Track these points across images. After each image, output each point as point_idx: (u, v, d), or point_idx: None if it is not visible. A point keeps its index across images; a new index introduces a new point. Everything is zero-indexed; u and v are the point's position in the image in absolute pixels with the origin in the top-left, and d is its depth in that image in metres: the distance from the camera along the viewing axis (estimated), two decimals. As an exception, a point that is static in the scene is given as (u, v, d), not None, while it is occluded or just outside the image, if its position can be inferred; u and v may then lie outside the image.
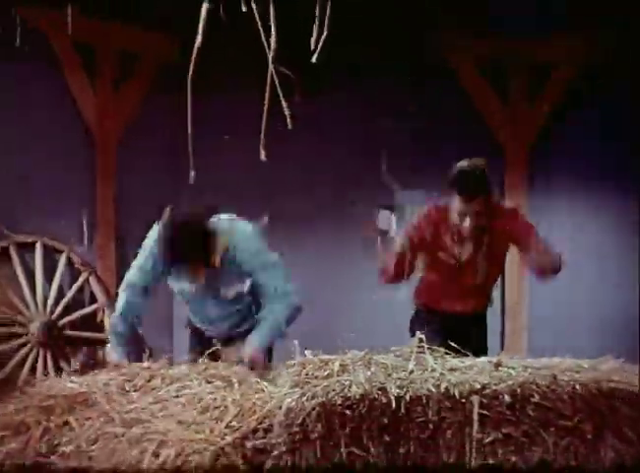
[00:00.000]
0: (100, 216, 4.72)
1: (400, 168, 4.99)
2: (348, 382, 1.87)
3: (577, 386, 1.85)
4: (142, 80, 4.85)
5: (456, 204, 3.01)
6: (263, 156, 1.73)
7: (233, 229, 2.97)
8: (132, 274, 3.00)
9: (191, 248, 2.66)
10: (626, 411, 1.86)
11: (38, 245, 4.43)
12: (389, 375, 1.93)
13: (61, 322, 4.46)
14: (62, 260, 4.52)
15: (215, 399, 2.11)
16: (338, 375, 1.93)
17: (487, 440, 1.85)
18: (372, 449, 1.82)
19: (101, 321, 4.60)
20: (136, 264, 2.99)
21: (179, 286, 2.98)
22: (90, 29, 4.55)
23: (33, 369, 4.28)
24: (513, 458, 1.84)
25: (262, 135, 1.75)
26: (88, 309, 4.57)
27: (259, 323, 2.87)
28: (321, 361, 2.03)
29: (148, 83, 4.84)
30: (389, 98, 4.95)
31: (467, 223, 3.00)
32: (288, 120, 1.70)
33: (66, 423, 2.13)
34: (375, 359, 2.07)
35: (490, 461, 1.83)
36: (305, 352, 2.11)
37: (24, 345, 4.37)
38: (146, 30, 4.83)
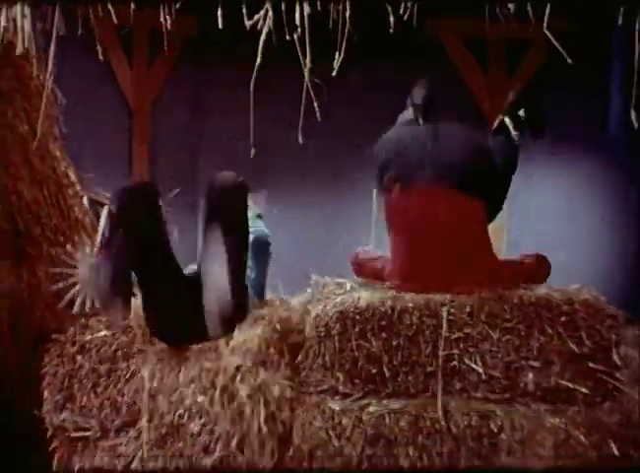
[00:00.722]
0: (136, 173, 5.56)
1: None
2: (357, 296, 2.70)
3: (515, 299, 2.69)
4: (170, 54, 5.61)
5: None
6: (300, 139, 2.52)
7: None
8: None
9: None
10: (551, 316, 2.69)
11: (85, 199, 5.23)
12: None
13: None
14: (104, 212, 5.32)
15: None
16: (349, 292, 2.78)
17: (453, 337, 2.68)
18: (374, 342, 2.65)
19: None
20: None
21: None
22: (126, 13, 5.29)
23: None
24: (470, 349, 2.67)
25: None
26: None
27: None
28: (336, 283, 2.87)
29: (174, 56, 5.61)
30: (383, 72, 5.72)
31: None
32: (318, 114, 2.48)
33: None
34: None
35: (454, 351, 2.67)
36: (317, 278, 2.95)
37: (73, 285, 5.17)
38: (171, 11, 5.60)
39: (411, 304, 2.70)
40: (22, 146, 2.96)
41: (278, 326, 2.82)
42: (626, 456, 2.52)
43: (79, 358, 2.95)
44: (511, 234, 5.46)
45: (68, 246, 3.44)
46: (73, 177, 3.40)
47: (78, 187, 3.46)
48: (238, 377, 2.73)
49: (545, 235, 5.52)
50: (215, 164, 5.85)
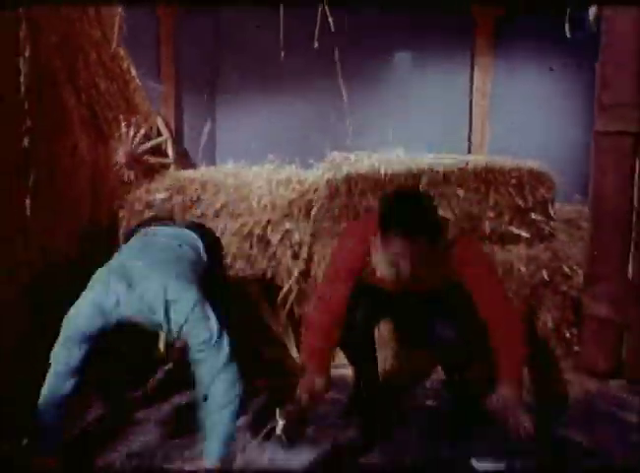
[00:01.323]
0: (165, 74, 6.38)
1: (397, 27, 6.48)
2: (359, 166, 3.61)
3: (479, 168, 3.58)
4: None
5: (388, 244, 2.40)
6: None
7: None
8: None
9: None
10: (504, 179, 3.58)
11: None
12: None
13: (139, 150, 6.11)
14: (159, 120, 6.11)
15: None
16: (353, 163, 3.67)
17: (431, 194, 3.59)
18: (371, 199, 3.56)
19: (165, 150, 6.21)
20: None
21: None
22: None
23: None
24: (443, 203, 3.57)
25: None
26: (157, 140, 6.19)
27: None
28: (344, 156, 3.77)
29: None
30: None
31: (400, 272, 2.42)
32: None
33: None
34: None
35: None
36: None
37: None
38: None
39: (398, 171, 3.60)
40: (97, 49, 3.77)
41: (298, 187, 3.73)
42: (552, 282, 3.46)
43: (145, 211, 3.88)
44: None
45: (129, 128, 4.31)
46: (133, 73, 4.21)
47: (137, 81, 4.28)
48: (269, 228, 3.67)
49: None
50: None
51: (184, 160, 6.07)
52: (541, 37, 6.13)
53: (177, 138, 6.38)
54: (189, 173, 4.15)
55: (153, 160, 4.77)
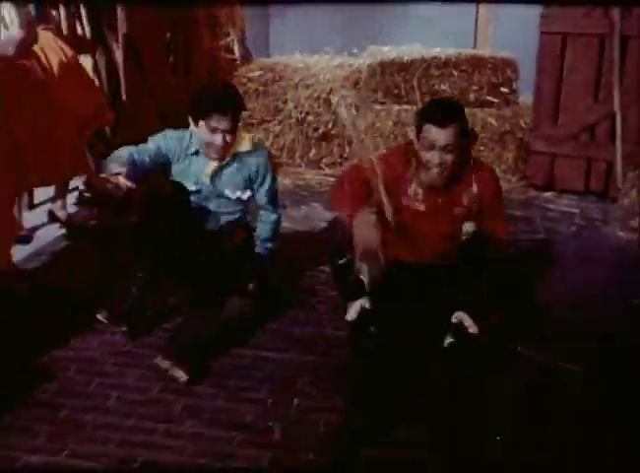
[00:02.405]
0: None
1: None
2: (391, 53, 5.49)
3: (468, 57, 5.44)
4: None
5: (425, 135, 2.75)
6: None
7: (258, 144, 3.76)
8: (130, 150, 3.06)
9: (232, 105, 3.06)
10: (485, 64, 5.47)
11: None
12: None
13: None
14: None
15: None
16: (387, 52, 5.56)
17: (435, 74, 5.46)
18: (397, 78, 5.46)
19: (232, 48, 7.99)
20: (139, 147, 3.11)
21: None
22: None
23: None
24: (442, 79, 5.47)
25: None
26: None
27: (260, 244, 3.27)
28: (380, 48, 5.66)
29: None
30: None
31: (434, 156, 2.76)
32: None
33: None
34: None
35: (434, 81, 5.47)
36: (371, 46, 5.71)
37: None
38: None
39: (415, 58, 5.47)
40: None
41: (348, 68, 5.64)
42: (512, 132, 5.37)
43: (247, 83, 5.78)
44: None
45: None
46: None
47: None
48: (331, 94, 5.59)
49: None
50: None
51: (247, 55, 7.87)
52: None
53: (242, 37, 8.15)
54: (273, 59, 6.05)
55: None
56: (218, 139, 3.05)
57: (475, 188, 2.90)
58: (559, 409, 2.56)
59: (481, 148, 5.37)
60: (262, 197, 3.30)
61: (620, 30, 4.75)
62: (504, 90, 5.49)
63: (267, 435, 2.39)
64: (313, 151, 5.67)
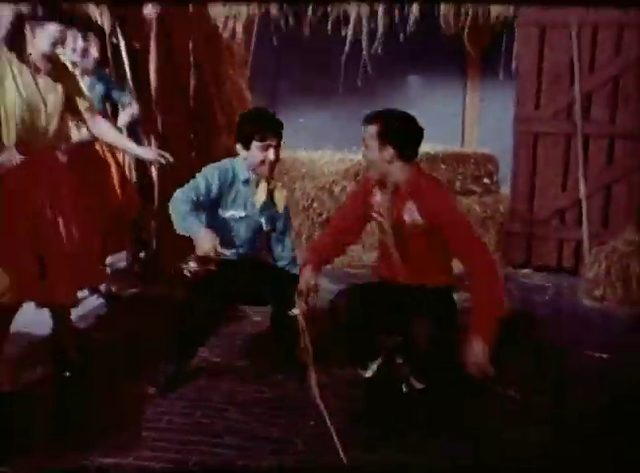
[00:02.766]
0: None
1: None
2: None
3: (449, 153, 6.24)
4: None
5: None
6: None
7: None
8: (182, 192, 3.40)
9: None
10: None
11: None
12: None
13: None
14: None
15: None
16: None
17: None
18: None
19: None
20: (190, 185, 3.43)
21: (230, 213, 3.53)
22: None
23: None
24: (434, 172, 6.25)
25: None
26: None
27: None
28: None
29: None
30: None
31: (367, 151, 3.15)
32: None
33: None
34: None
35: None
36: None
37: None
38: None
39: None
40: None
41: (349, 162, 6.42)
42: (493, 217, 6.12)
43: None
44: None
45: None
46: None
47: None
48: (333, 185, 6.33)
49: None
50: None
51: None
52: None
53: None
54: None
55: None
56: (271, 155, 3.46)
57: (413, 203, 3.13)
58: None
59: (467, 231, 6.10)
60: (279, 228, 3.75)
61: (582, 130, 5.56)
62: (486, 181, 6.27)
63: (290, 445, 3.01)
64: (317, 233, 6.39)
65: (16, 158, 3.15)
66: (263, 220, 3.61)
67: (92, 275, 3.69)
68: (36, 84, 3.23)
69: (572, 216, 5.71)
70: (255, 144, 3.46)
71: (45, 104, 3.24)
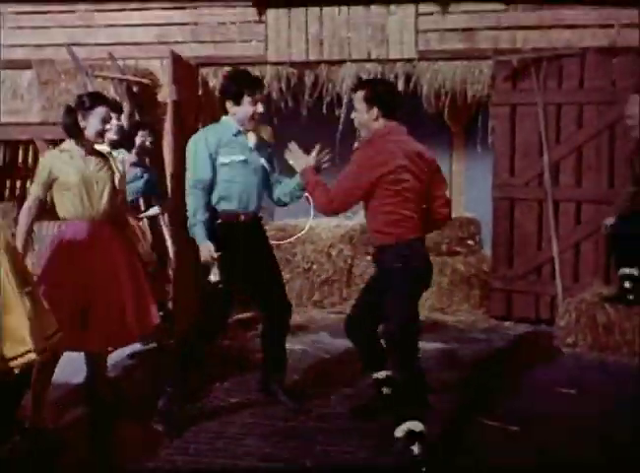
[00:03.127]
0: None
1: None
2: None
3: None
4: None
5: None
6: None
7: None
8: (196, 171, 3.95)
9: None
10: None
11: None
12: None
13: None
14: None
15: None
16: None
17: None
18: (383, 233, 6.89)
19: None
20: (195, 160, 3.97)
21: (231, 158, 3.94)
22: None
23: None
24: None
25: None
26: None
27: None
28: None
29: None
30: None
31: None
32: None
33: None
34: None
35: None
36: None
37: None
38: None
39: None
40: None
41: (345, 227, 7.07)
42: (477, 275, 6.73)
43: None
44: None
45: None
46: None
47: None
48: (331, 248, 6.98)
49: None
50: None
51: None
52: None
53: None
54: (284, 221, 7.49)
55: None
56: (260, 108, 3.98)
57: None
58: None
59: (453, 288, 6.72)
60: (275, 171, 4.21)
61: (552, 195, 6.24)
62: (470, 242, 6.92)
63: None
64: (317, 293, 6.99)
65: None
66: (263, 160, 4.08)
67: (125, 333, 4.11)
68: (91, 164, 3.94)
69: (547, 272, 6.34)
70: (246, 99, 3.94)
71: (97, 183, 3.91)
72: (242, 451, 3.69)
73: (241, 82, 4.00)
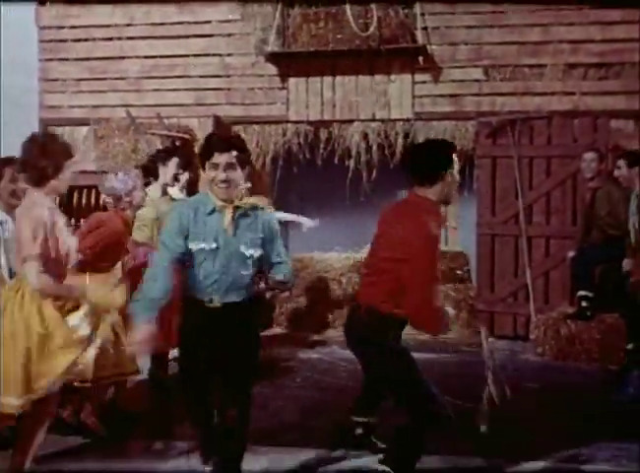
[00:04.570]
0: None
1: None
2: None
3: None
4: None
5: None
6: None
7: (263, 201, 4.67)
8: (165, 243, 3.41)
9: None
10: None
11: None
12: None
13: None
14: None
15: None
16: None
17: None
18: (386, 264, 8.15)
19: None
20: (167, 231, 3.46)
21: (199, 246, 3.37)
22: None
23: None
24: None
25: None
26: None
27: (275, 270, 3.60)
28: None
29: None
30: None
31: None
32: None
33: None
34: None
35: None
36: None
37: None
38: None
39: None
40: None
41: (353, 260, 8.35)
42: (465, 299, 7.97)
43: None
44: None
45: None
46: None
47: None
48: (341, 277, 8.24)
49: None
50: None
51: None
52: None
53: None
54: (300, 255, 8.75)
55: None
56: (220, 174, 3.35)
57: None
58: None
59: (445, 311, 7.94)
60: (273, 252, 3.54)
61: (526, 232, 7.52)
62: (459, 272, 8.17)
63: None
64: (330, 315, 8.21)
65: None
66: (244, 246, 3.44)
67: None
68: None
69: (522, 296, 7.59)
70: (207, 164, 3.42)
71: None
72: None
73: (203, 145, 3.53)
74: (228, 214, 3.44)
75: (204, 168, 3.46)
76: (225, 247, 3.43)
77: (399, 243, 3.53)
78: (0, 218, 4.28)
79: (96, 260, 4.57)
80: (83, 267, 4.44)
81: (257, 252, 3.47)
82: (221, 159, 3.38)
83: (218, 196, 3.43)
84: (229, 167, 3.39)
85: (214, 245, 3.41)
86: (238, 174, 3.43)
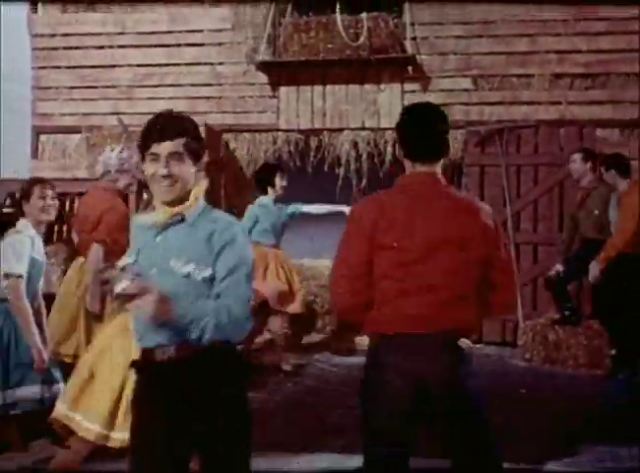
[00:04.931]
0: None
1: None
2: None
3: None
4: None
5: None
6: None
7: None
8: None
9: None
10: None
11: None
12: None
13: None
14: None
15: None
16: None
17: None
18: (375, 271, 8.21)
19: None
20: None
21: (125, 261, 2.47)
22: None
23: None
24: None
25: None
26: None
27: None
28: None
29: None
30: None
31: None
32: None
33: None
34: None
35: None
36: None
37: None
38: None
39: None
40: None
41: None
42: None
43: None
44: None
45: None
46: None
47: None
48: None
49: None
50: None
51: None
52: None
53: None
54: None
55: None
56: (161, 170, 2.45)
57: None
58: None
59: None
60: (220, 275, 2.42)
61: (514, 239, 7.62)
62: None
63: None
64: (320, 322, 8.28)
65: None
66: (172, 262, 2.44)
67: None
68: None
69: (510, 303, 7.66)
70: (146, 156, 2.51)
71: None
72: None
73: (147, 128, 2.53)
74: (163, 210, 2.53)
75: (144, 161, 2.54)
76: (148, 260, 2.50)
77: (470, 240, 2.77)
78: (30, 234, 4.12)
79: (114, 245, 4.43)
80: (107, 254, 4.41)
81: (199, 271, 2.43)
82: (160, 148, 2.47)
83: (159, 197, 2.51)
84: (173, 157, 2.47)
85: (130, 260, 2.54)
86: (186, 168, 2.49)
